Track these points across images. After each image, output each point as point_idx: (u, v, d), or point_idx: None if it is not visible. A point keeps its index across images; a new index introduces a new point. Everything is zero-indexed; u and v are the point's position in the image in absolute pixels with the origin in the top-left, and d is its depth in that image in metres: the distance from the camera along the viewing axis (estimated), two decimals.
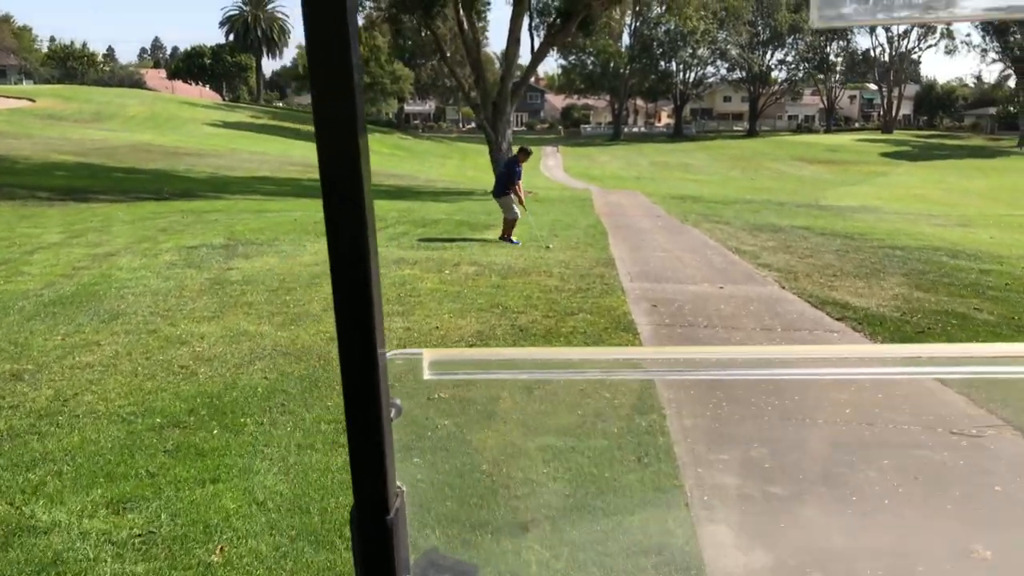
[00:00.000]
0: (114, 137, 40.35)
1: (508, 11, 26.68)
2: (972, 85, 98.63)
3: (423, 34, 32.34)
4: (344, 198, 0.62)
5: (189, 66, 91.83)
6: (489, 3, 28.90)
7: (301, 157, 36.58)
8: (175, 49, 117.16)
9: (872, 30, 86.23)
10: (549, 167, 52.22)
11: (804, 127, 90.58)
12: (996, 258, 12.39)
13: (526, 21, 29.90)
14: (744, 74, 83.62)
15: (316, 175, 0.64)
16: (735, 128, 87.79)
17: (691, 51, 76.56)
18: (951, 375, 1.01)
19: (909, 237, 15.64)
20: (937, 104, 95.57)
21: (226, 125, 57.69)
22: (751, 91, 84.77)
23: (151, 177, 25.23)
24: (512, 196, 12.68)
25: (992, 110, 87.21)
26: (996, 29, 75.52)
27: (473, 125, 56.36)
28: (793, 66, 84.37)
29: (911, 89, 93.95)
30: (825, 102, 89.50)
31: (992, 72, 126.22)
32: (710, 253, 12.33)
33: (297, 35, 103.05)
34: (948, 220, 22.91)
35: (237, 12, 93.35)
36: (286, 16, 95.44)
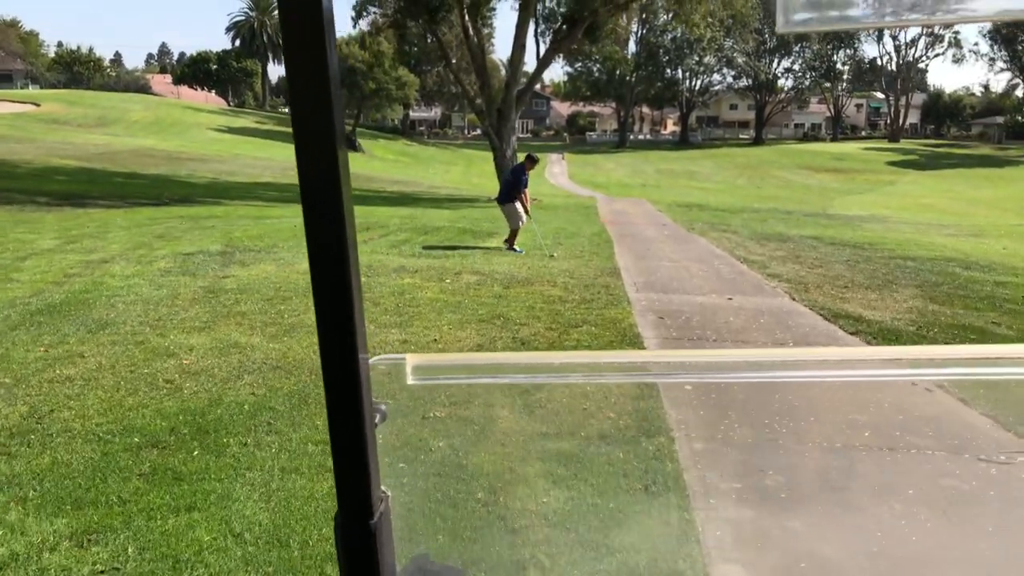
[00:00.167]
0: (117, 142, 40.27)
1: (514, 18, 26.47)
2: (979, 94, 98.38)
3: (428, 40, 32.15)
4: (322, 202, 0.62)
5: (195, 71, 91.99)
6: (494, 9, 28.67)
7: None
8: (182, 55, 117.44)
9: (879, 38, 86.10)
10: (554, 174, 52.05)
11: (810, 135, 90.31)
12: (1011, 270, 12.10)
13: (532, 27, 29.77)
14: (750, 82, 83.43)
15: None
16: (741, 136, 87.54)
17: (697, 59, 76.38)
18: (959, 377, 0.92)
19: (920, 247, 15.36)
20: (944, 113, 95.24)
21: (231, 130, 57.68)
22: (757, 99, 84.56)
23: (151, 182, 25.07)
24: (517, 204, 12.45)
25: (1000, 119, 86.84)
26: (1004, 38, 75.33)
27: (479, 132, 56.11)
28: (800, 74, 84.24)
29: (918, 98, 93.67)
30: (832, 110, 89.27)
31: (1000, 81, 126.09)
32: (717, 263, 12.07)
33: None
34: (959, 230, 22.61)
35: (244, 18, 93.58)
36: None
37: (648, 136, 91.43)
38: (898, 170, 62.44)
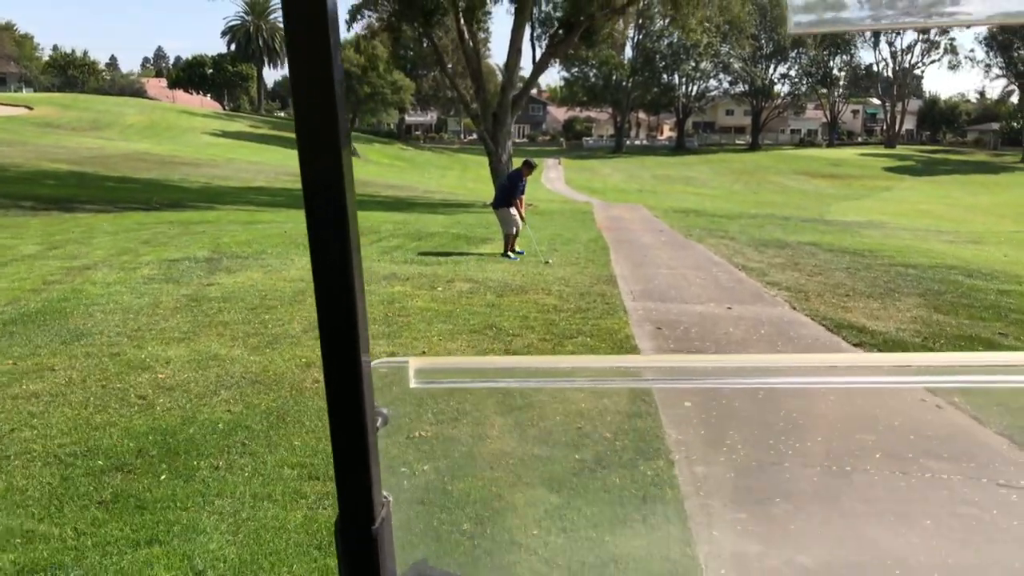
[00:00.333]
0: (110, 146, 39.96)
1: (510, 22, 26.29)
2: (975, 100, 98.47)
3: (424, 45, 31.95)
4: (327, 203, 0.62)
5: (190, 75, 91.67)
6: (490, 12, 28.47)
7: (299, 168, 36.10)
8: (178, 59, 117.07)
9: (875, 44, 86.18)
10: (551, 179, 51.85)
11: (807, 141, 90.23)
12: (1014, 278, 11.88)
13: (528, 32, 29.56)
14: (747, 87, 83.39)
15: None
16: (737, 141, 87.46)
17: (694, 64, 76.38)
18: (958, 385, 0.95)
19: (920, 254, 15.15)
20: (940, 119, 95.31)
21: (225, 135, 57.39)
22: (754, 105, 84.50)
23: (143, 187, 24.78)
24: (512, 210, 12.22)
25: (995, 125, 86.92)
26: (1000, 45, 75.41)
27: (475, 136, 55.94)
28: (796, 80, 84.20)
29: (914, 104, 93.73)
30: (828, 116, 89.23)
31: (995, 88, 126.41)
32: (716, 270, 11.84)
33: None
34: (958, 237, 22.43)
35: (239, 22, 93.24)
36: None
37: (644, 141, 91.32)
38: (894, 176, 62.42)
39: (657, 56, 76.13)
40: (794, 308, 8.88)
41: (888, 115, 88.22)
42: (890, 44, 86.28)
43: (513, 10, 26.41)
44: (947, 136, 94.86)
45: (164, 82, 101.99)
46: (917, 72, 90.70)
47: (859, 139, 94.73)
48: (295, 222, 15.91)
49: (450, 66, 33.27)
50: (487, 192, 25.45)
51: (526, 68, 29.94)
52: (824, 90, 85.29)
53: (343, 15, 28.82)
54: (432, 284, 9.28)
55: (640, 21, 69.44)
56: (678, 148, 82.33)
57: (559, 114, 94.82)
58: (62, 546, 3.02)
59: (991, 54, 78.76)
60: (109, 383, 5.09)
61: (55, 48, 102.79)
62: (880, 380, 1.24)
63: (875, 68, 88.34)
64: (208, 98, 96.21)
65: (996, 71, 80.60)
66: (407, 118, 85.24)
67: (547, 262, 11.53)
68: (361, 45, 46.79)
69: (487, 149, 27.13)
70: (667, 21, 66.36)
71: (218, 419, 4.47)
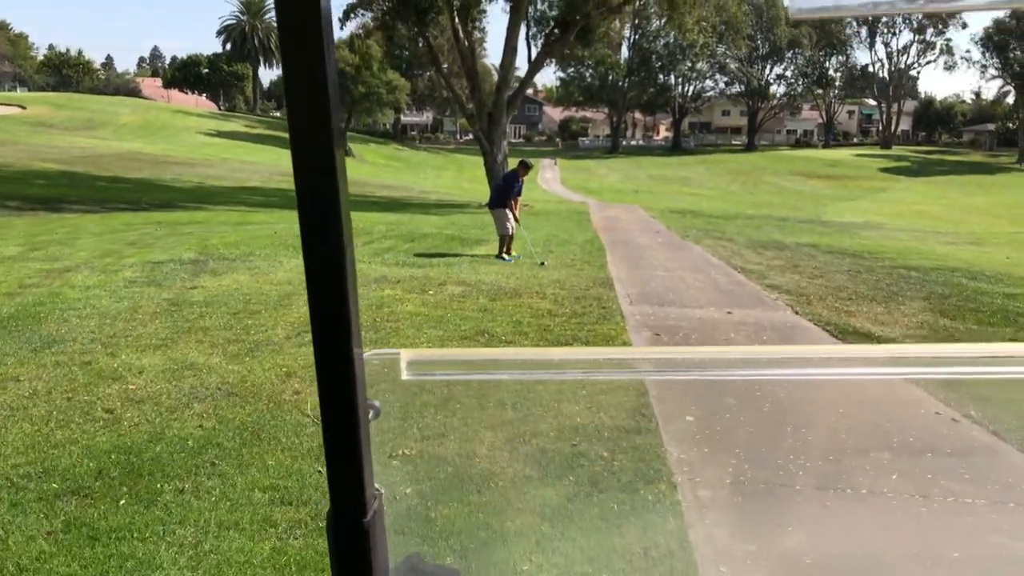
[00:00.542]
0: (103, 145, 39.60)
1: (506, 21, 26.03)
2: (971, 101, 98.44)
3: (419, 44, 31.66)
4: (319, 194, 0.61)
5: (185, 75, 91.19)
6: (485, 11, 28.19)
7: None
8: (174, 58, 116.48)
9: (871, 45, 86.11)
10: (547, 180, 51.59)
11: (803, 142, 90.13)
12: (1019, 280, 11.64)
13: (523, 31, 29.29)
14: (743, 88, 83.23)
15: None
16: (734, 142, 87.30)
17: (690, 64, 76.18)
18: (959, 376, 0.89)
19: (922, 256, 14.92)
20: (936, 120, 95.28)
21: (220, 134, 57.03)
22: (750, 105, 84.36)
23: (134, 187, 24.45)
24: (507, 210, 11.95)
25: (991, 126, 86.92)
26: (996, 45, 75.29)
27: (471, 136, 55.58)
28: (792, 81, 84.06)
29: (910, 105, 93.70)
30: (824, 117, 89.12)
31: (991, 88, 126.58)
32: (714, 272, 11.57)
33: None
34: (958, 238, 22.22)
35: (235, 22, 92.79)
36: None
37: (641, 142, 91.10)
38: (891, 177, 62.30)
39: (653, 56, 75.91)
40: (796, 312, 8.62)
41: (884, 116, 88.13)
42: (886, 45, 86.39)
43: (508, 8, 26.15)
44: (943, 137, 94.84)
45: (159, 82, 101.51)
46: (913, 73, 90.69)
47: (855, 140, 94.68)
48: (287, 223, 15.61)
49: (445, 66, 32.98)
50: (483, 192, 25.17)
51: (522, 68, 29.71)
52: (820, 91, 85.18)
53: (336, 13, 28.54)
54: (423, 287, 9.00)
55: (636, 21, 69.20)
56: (674, 148, 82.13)
57: (555, 114, 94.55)
58: None
59: (987, 55, 78.65)
60: (76, 395, 4.80)
61: (51, 47, 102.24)
62: (874, 371, 1.23)
63: (871, 69, 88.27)
64: (204, 98, 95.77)
65: (992, 72, 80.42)
66: (403, 118, 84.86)
67: (542, 264, 11.26)
68: (355, 44, 46.47)
69: (482, 149, 26.87)
70: (663, 21, 66.25)
71: (188, 435, 4.18)
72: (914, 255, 15.15)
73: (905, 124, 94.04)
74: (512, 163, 13.79)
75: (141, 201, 19.90)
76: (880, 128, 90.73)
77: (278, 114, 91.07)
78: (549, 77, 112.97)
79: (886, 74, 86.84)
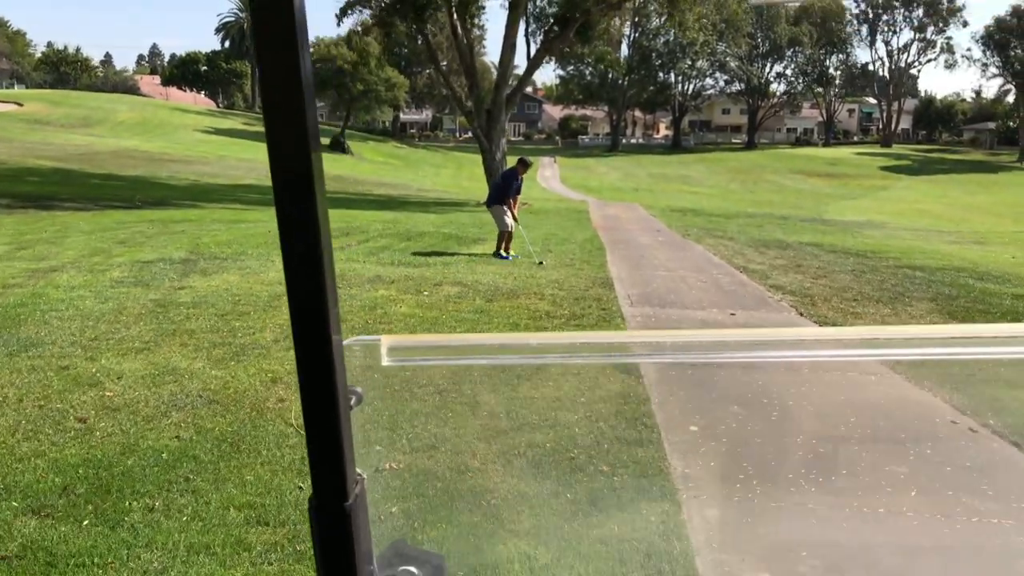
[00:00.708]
0: (99, 142, 39.34)
1: (506, 19, 25.72)
2: (971, 100, 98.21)
3: (418, 41, 31.40)
4: (294, 177, 0.61)
5: (184, 72, 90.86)
6: (483, 7, 27.92)
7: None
8: (172, 56, 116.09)
9: (872, 43, 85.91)
10: (546, 178, 51.34)
11: (803, 140, 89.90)
12: None
13: (522, 28, 29.04)
14: (743, 86, 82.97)
15: None
16: (734, 140, 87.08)
17: (690, 63, 75.90)
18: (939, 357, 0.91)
19: (926, 256, 14.68)
20: (936, 118, 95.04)
21: (217, 131, 56.76)
22: (750, 103, 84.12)
23: (128, 184, 24.19)
24: (505, 207, 11.73)
25: (991, 125, 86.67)
26: (997, 44, 75.06)
27: (470, 134, 55.28)
28: (792, 79, 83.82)
29: (910, 103, 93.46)
30: (824, 115, 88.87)
31: (991, 87, 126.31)
32: (716, 272, 11.34)
33: None
34: (961, 237, 22.00)
35: (233, 19, 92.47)
36: None
37: (640, 140, 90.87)
38: (891, 175, 62.10)
39: (653, 54, 75.62)
40: (801, 314, 8.39)
41: (884, 114, 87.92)
42: (886, 43, 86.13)
43: (507, 5, 25.89)
44: (943, 135, 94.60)
45: (158, 79, 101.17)
46: (913, 71, 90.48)
47: (855, 138, 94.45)
48: None
49: (444, 63, 32.77)
50: (481, 190, 24.91)
51: (521, 65, 29.45)
52: (820, 89, 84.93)
53: (333, 10, 28.26)
54: (418, 288, 8.76)
55: (636, 18, 68.88)
56: (674, 147, 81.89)
57: (555, 112, 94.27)
58: None
59: (988, 53, 78.44)
60: (48, 403, 4.56)
61: (49, 45, 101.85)
62: (848, 353, 1.22)
63: (871, 67, 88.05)
64: (202, 95, 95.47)
65: (993, 70, 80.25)
66: (402, 116, 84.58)
67: (540, 263, 11.02)
68: (353, 41, 46.16)
69: (481, 147, 26.63)
70: (664, 19, 65.97)
71: (163, 447, 3.94)
72: (918, 254, 14.92)
73: (905, 122, 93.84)
74: (511, 161, 13.55)
75: (135, 199, 19.64)
76: (880, 126, 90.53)
77: None
78: (549, 75, 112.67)
79: (886, 72, 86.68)
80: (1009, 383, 4.04)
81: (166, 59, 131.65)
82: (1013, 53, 75.08)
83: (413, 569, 0.83)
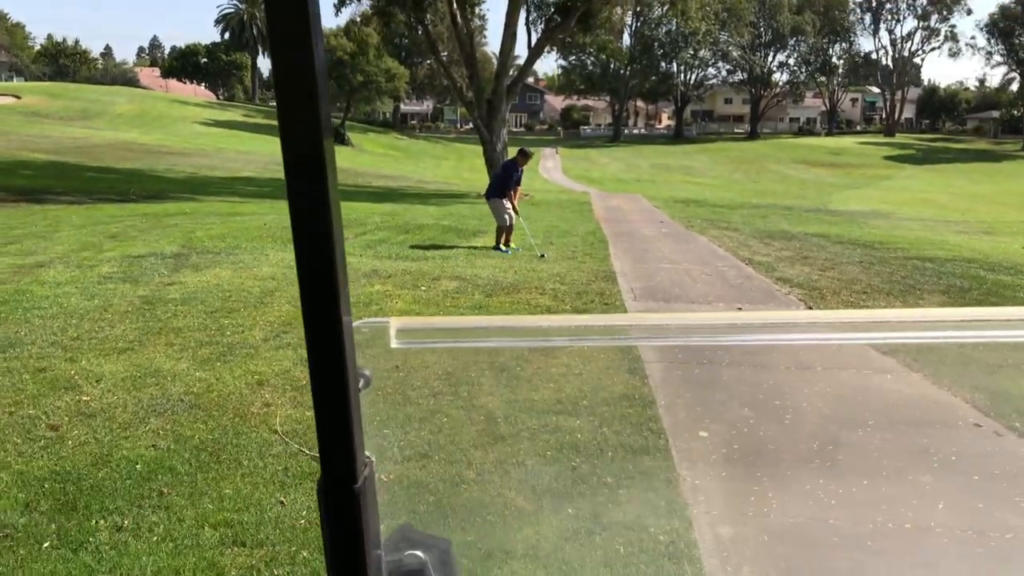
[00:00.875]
0: (96, 135, 39.05)
1: (506, 8, 25.35)
2: (975, 88, 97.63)
3: (417, 31, 31.05)
4: (306, 160, 0.61)
5: (184, 64, 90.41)
6: None
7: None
8: (172, 48, 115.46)
9: (875, 32, 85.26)
10: (548, 169, 50.99)
11: (806, 130, 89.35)
12: None
13: (523, 16, 28.69)
14: (745, 76, 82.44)
15: None
16: (736, 130, 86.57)
17: (692, 52, 75.38)
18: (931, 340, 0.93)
19: (935, 247, 14.40)
20: (939, 107, 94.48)
21: (217, 124, 56.43)
22: (752, 93, 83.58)
23: (124, 177, 23.91)
24: (505, 201, 11.45)
25: (995, 113, 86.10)
26: (1001, 31, 74.52)
27: (471, 125, 54.91)
28: (795, 68, 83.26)
29: (913, 92, 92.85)
30: (827, 105, 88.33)
31: (995, 75, 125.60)
32: (721, 265, 11.07)
33: None
34: (968, 227, 21.69)
35: (233, 10, 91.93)
36: None
37: (643, 130, 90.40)
38: (895, 164, 61.69)
39: (655, 44, 75.10)
40: (810, 308, 8.13)
41: (887, 103, 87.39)
42: (890, 32, 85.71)
43: None
44: (946, 124, 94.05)
45: (158, 71, 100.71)
46: (917, 60, 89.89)
47: (858, 128, 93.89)
48: (277, 213, 15.11)
49: (444, 53, 32.42)
50: (482, 182, 24.63)
51: (522, 55, 29.12)
52: (823, 78, 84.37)
53: (332, 0, 27.96)
54: (416, 282, 8.51)
55: (638, 8, 68.32)
56: (676, 137, 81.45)
57: (556, 103, 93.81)
58: None
59: (992, 41, 77.89)
60: (20, 408, 4.32)
61: (48, 37, 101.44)
62: (833, 336, 1.26)
63: (874, 56, 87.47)
64: (202, 87, 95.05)
65: (997, 58, 79.75)
66: (402, 107, 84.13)
67: (542, 256, 10.76)
68: (352, 31, 45.77)
69: (481, 138, 26.33)
70: (666, 8, 65.52)
71: (138, 457, 3.69)
72: (927, 245, 14.64)
73: (909, 112, 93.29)
74: (512, 152, 13.26)
75: (130, 192, 19.37)
76: (883, 116, 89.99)
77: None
78: (551, 65, 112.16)
79: (890, 61, 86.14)
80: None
81: (166, 51, 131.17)
82: (1017, 41, 74.55)
83: (419, 553, 0.82)
